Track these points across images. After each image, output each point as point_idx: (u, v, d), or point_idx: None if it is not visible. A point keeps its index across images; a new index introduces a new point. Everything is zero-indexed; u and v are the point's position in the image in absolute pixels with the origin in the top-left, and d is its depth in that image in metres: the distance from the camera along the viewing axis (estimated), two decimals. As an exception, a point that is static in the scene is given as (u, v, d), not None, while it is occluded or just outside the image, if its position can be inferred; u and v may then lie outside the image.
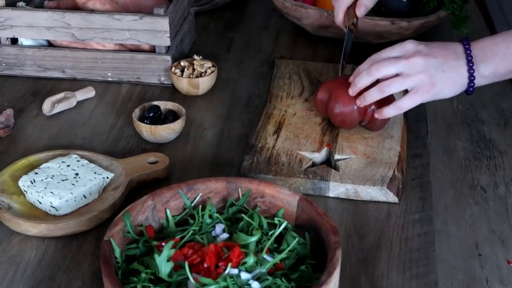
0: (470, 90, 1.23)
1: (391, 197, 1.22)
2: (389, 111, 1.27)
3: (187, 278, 0.93)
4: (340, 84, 1.33)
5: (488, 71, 1.22)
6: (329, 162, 1.30)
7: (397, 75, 1.23)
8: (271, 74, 1.59)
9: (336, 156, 1.29)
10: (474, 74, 1.21)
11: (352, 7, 1.46)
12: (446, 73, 1.22)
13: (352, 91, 1.28)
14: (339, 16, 1.47)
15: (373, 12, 1.67)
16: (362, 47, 1.63)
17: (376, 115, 1.28)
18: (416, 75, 1.21)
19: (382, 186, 1.21)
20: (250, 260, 0.96)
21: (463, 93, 1.49)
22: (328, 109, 1.33)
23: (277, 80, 1.54)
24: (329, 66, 1.59)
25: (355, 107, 1.29)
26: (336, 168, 1.27)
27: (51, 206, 1.16)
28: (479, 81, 1.23)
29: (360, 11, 1.44)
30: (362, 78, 1.26)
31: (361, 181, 1.23)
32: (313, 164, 1.29)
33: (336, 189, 1.23)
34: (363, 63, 1.28)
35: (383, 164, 1.26)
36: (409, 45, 1.23)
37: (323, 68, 1.58)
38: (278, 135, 1.35)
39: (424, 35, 1.68)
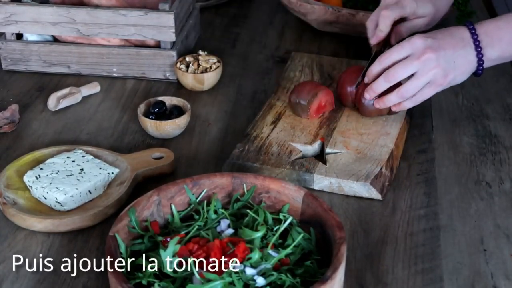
0: (479, 72, 1.27)
1: (374, 194, 1.21)
2: (407, 104, 1.29)
3: (192, 274, 0.94)
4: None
5: (495, 55, 1.25)
6: (322, 156, 1.30)
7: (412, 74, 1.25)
8: (276, 70, 1.59)
9: (327, 150, 1.28)
10: (483, 58, 1.24)
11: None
12: (457, 62, 1.24)
13: (370, 96, 1.30)
14: (384, 31, 1.40)
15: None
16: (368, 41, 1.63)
17: (395, 108, 1.30)
18: (430, 71, 1.23)
19: (366, 182, 1.21)
20: (255, 255, 0.96)
21: (468, 88, 1.49)
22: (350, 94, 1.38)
23: (288, 71, 1.54)
24: (343, 60, 1.59)
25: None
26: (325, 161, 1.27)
27: (56, 202, 1.16)
28: (486, 64, 1.26)
29: (396, 38, 1.42)
30: (380, 84, 1.28)
31: (345, 175, 1.22)
32: (303, 157, 1.28)
33: (320, 182, 1.23)
34: (374, 64, 1.29)
35: (372, 161, 1.25)
36: (418, 42, 1.24)
37: (337, 63, 1.58)
38: (275, 126, 1.35)
39: (430, 30, 1.67)
